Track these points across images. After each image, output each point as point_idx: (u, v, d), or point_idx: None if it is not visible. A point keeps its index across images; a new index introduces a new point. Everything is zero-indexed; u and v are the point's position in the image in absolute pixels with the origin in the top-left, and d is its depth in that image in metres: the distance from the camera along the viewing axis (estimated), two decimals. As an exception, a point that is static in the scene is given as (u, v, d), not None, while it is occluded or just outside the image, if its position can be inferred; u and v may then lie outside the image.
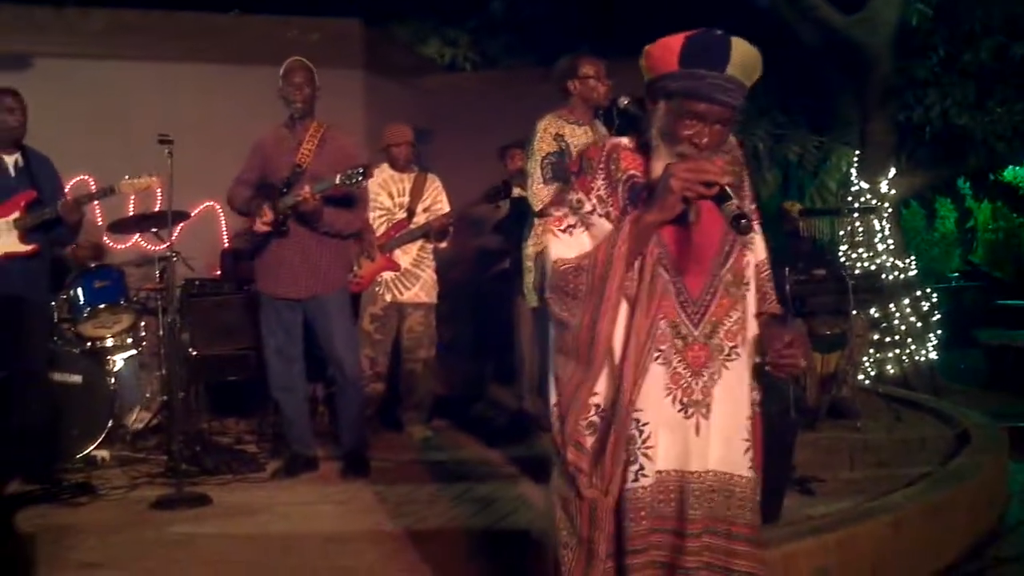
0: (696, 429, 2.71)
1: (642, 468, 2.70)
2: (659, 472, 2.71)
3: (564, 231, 2.78)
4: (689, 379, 2.72)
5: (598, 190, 2.76)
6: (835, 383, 7.35)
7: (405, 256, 7.15)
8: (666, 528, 2.74)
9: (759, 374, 2.89)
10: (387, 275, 7.10)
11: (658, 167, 2.66)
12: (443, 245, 7.35)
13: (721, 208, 2.56)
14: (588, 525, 2.76)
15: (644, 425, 2.70)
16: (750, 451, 2.78)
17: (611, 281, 2.64)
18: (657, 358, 2.69)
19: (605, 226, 2.72)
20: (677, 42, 2.64)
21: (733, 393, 2.77)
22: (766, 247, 2.98)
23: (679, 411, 2.71)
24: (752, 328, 2.85)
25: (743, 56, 2.61)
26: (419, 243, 7.18)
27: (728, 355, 2.76)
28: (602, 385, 2.73)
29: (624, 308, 2.69)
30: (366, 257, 6.94)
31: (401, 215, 7.13)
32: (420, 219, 7.17)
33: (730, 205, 2.53)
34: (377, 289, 7.06)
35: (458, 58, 11.37)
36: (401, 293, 7.13)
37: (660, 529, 2.73)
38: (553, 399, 2.82)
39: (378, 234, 7.02)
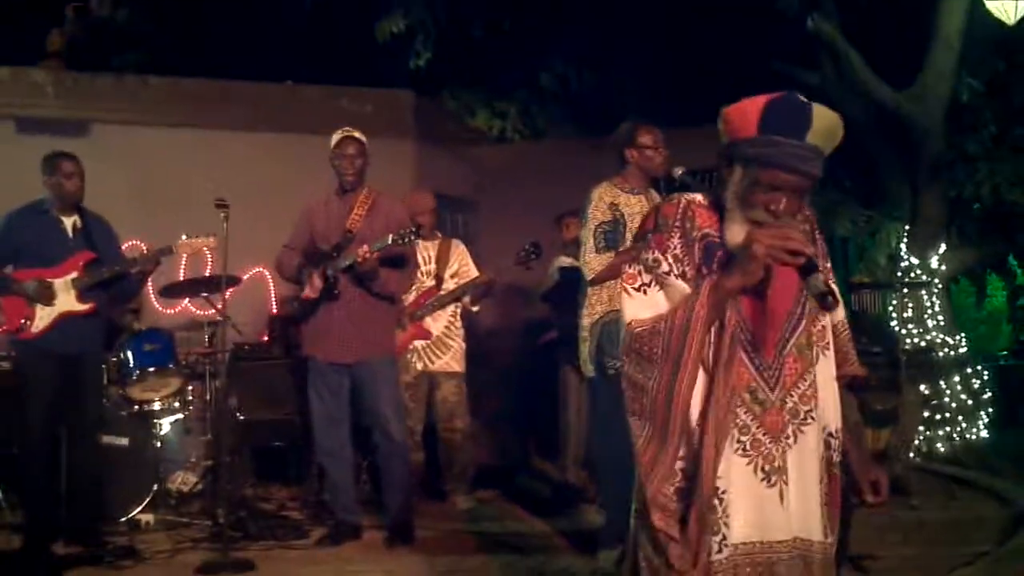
0: (780, 497, 2.64)
1: (725, 539, 2.62)
2: (737, 544, 2.63)
3: (638, 290, 2.71)
4: (769, 445, 2.65)
5: (674, 248, 2.69)
6: (887, 459, 7.23)
7: (436, 324, 7.15)
8: None
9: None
10: (418, 343, 7.10)
11: (733, 230, 2.61)
12: (475, 309, 7.33)
13: (807, 281, 2.51)
14: None
15: (723, 494, 2.62)
16: (824, 516, 2.70)
17: (689, 346, 2.57)
18: (735, 425, 2.63)
19: (681, 286, 2.66)
20: (757, 106, 2.57)
21: (809, 457, 2.69)
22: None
23: (761, 480, 2.64)
24: (830, 390, 2.77)
25: (825, 123, 2.56)
26: (450, 310, 7.19)
27: (804, 419, 2.68)
28: (684, 450, 2.65)
29: (701, 374, 2.63)
30: (397, 326, 6.90)
31: (430, 283, 7.15)
32: (449, 285, 7.19)
33: (816, 279, 2.48)
34: (409, 357, 7.05)
35: (507, 130, 11.45)
36: (432, 362, 7.12)
37: None
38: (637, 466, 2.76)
39: (408, 302, 7.01)
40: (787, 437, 2.67)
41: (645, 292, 2.71)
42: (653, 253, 2.71)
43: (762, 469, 2.64)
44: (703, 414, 2.61)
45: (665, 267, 2.69)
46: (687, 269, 2.68)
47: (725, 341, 2.60)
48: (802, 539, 2.67)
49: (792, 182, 2.56)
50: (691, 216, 2.72)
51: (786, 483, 2.64)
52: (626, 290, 2.74)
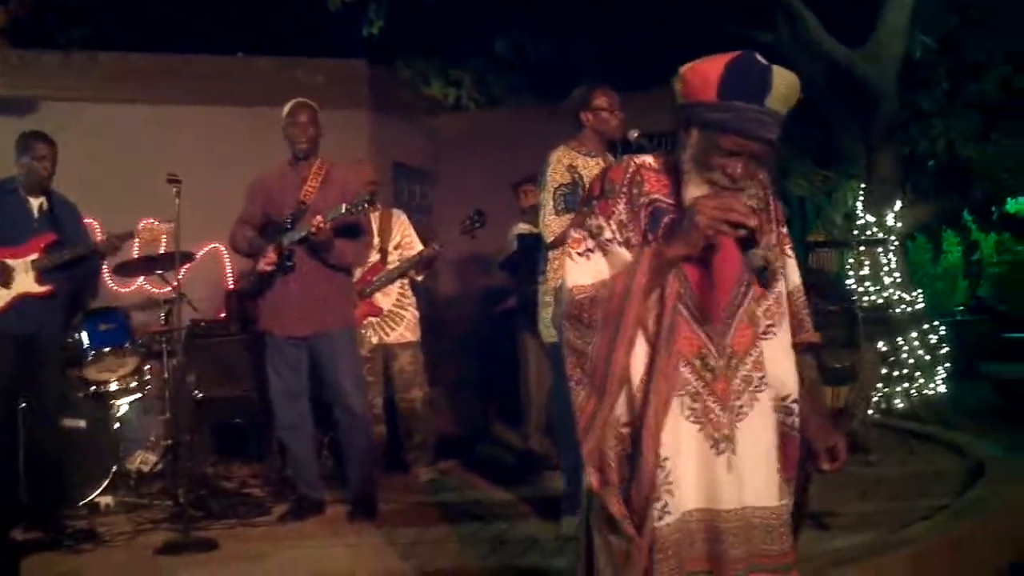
0: (728, 466, 2.62)
1: (666, 505, 2.60)
2: (684, 512, 2.62)
3: (582, 255, 2.69)
4: (719, 413, 2.63)
5: (619, 215, 2.67)
6: (846, 417, 7.28)
7: (386, 298, 7.12)
8: (699, 570, 2.64)
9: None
10: (371, 319, 7.05)
11: (690, 192, 2.59)
12: (420, 279, 7.30)
13: (745, 255, 2.50)
14: (624, 564, 2.64)
15: (665, 461, 2.60)
16: (779, 478, 2.69)
17: (628, 313, 2.57)
18: (685, 391, 2.62)
19: (624, 254, 2.64)
20: (717, 69, 2.53)
21: (763, 425, 2.68)
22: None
23: (710, 447, 2.62)
24: (787, 357, 2.77)
25: (784, 86, 2.52)
26: (399, 282, 7.14)
27: (758, 386, 2.68)
28: (627, 416, 2.64)
29: (642, 340, 2.62)
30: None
31: (374, 257, 7.07)
32: (393, 257, 7.14)
33: (754, 254, 2.48)
34: (363, 332, 7.00)
35: (462, 98, 11.38)
36: (387, 334, 7.10)
37: (693, 572, 2.63)
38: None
39: (355, 280, 6.93)
40: (740, 406, 2.65)
41: (588, 258, 2.68)
42: (597, 219, 2.69)
43: (711, 436, 2.63)
44: (646, 382, 2.60)
45: (608, 234, 2.67)
46: (631, 235, 2.66)
47: (667, 309, 2.59)
48: (755, 507, 2.65)
49: (751, 147, 2.54)
50: (639, 181, 2.70)
51: (734, 452, 2.63)
52: (570, 255, 2.71)
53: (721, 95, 2.52)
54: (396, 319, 7.11)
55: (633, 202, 2.68)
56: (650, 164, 2.73)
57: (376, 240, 7.07)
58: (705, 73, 2.56)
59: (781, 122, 2.56)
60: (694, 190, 2.58)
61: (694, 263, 2.63)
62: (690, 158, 2.61)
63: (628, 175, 2.71)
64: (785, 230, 2.85)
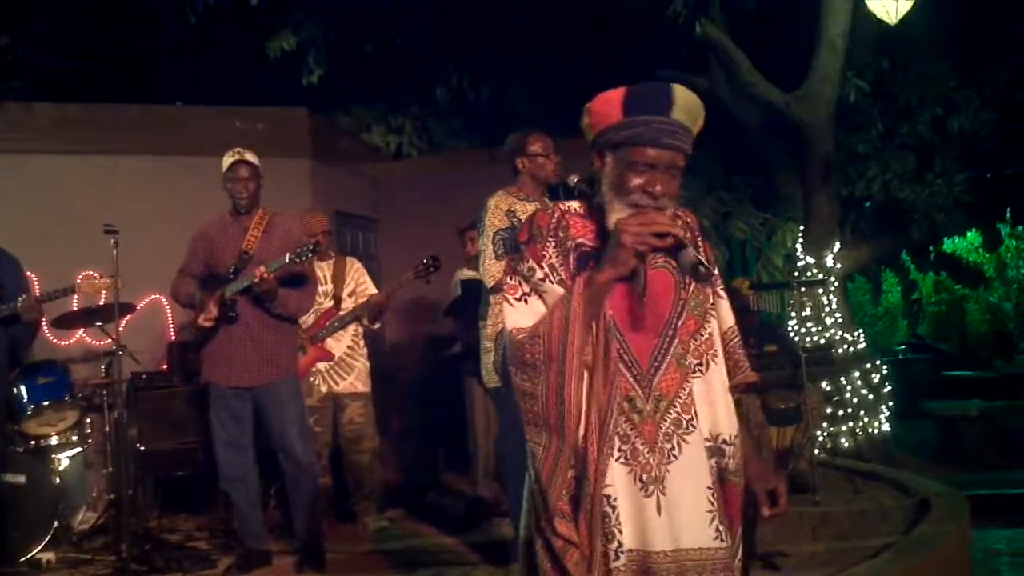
0: (657, 508, 2.61)
1: (621, 545, 2.60)
2: (627, 551, 2.61)
3: (519, 299, 2.70)
4: (647, 455, 2.63)
5: (549, 258, 2.69)
6: (791, 457, 7.33)
7: (338, 345, 7.06)
8: None
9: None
10: (321, 365, 7.00)
11: (612, 220, 2.60)
12: (376, 327, 7.28)
13: (678, 259, 2.53)
14: None
15: (615, 501, 2.61)
16: (715, 520, 2.66)
17: (570, 343, 2.56)
18: (615, 433, 2.61)
19: (558, 291, 2.66)
20: (618, 94, 2.62)
21: (695, 467, 2.66)
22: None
23: (640, 489, 2.62)
24: (722, 398, 2.76)
25: (686, 100, 2.59)
26: (351, 330, 7.11)
27: (686, 428, 2.67)
28: (572, 457, 2.63)
29: (585, 377, 2.62)
30: (298, 350, 6.78)
31: (328, 303, 7.05)
32: (347, 304, 7.11)
33: (687, 253, 2.50)
34: (312, 380, 6.95)
35: (403, 144, 11.41)
36: (336, 383, 7.04)
37: None
38: (532, 475, 2.72)
39: (307, 325, 6.90)
40: (671, 448, 2.65)
41: (526, 301, 2.70)
42: (528, 263, 2.71)
43: (640, 479, 2.63)
44: (586, 421, 2.60)
45: (540, 275, 2.69)
46: (564, 277, 2.67)
47: (599, 342, 2.60)
48: (691, 549, 2.63)
49: (664, 158, 2.58)
50: (565, 226, 2.72)
51: (663, 493, 2.62)
52: (508, 300, 2.73)
53: (626, 113, 2.59)
54: (346, 368, 7.06)
55: (561, 246, 2.70)
56: (575, 210, 2.77)
57: (330, 287, 7.05)
58: (608, 98, 2.64)
59: (690, 134, 2.62)
60: (617, 217, 2.60)
61: (622, 304, 2.65)
62: (608, 187, 2.65)
63: (554, 220, 2.73)
64: (716, 271, 2.85)
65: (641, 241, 2.48)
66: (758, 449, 2.89)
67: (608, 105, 2.63)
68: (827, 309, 9.43)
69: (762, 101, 9.88)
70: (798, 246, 9.75)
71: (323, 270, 7.05)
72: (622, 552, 2.60)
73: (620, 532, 2.60)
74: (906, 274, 16.80)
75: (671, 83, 2.61)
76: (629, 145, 2.58)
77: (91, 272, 6.24)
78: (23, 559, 6.21)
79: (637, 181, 2.58)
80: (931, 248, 15.17)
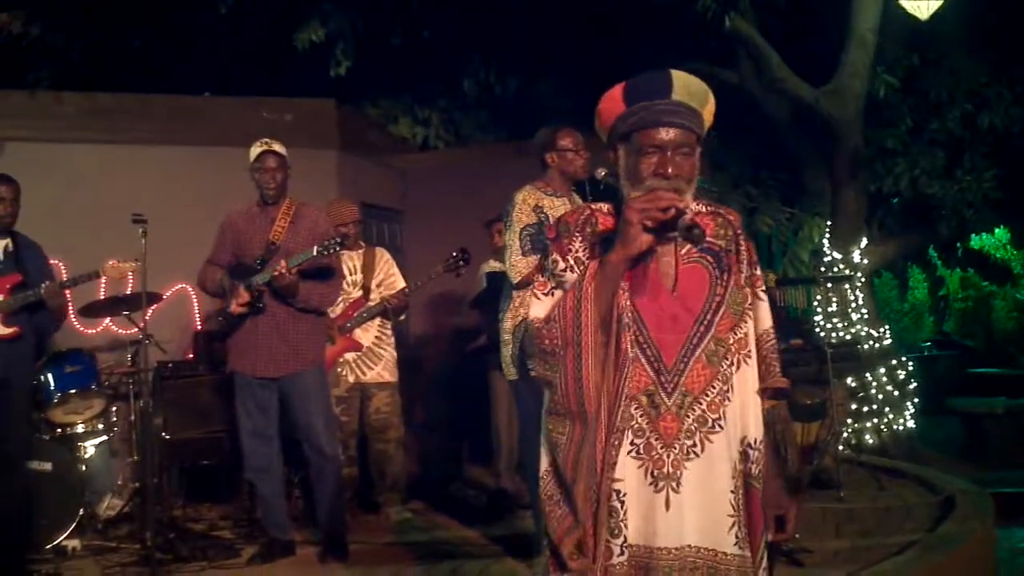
0: (666, 504, 2.60)
1: (625, 541, 2.60)
2: (630, 547, 2.61)
3: (546, 294, 2.73)
4: (660, 451, 2.62)
5: (576, 252, 2.71)
6: (816, 453, 7.30)
7: (366, 335, 7.09)
8: None
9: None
10: (349, 356, 7.03)
11: None
12: (402, 319, 7.31)
13: (676, 225, 2.54)
14: None
15: (624, 496, 2.61)
16: (736, 526, 2.64)
17: (584, 327, 2.59)
18: (629, 427, 2.62)
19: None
20: (619, 88, 2.70)
21: (717, 466, 2.64)
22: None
23: (649, 484, 2.61)
24: (751, 400, 2.74)
25: (684, 82, 2.64)
26: (378, 321, 7.12)
27: (712, 427, 2.65)
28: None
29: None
30: (326, 339, 6.80)
31: (357, 293, 7.08)
32: (375, 295, 7.13)
33: (683, 219, 2.52)
34: (340, 371, 6.98)
35: (430, 137, 11.42)
36: (364, 373, 7.06)
37: None
38: (544, 465, 2.72)
39: (336, 314, 6.93)
40: (692, 445, 2.64)
41: (552, 295, 2.72)
42: (553, 256, 2.74)
43: (651, 473, 2.62)
44: (598, 415, 2.61)
45: (563, 266, 2.71)
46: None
47: (612, 336, 2.61)
48: (704, 548, 2.62)
49: (671, 138, 2.61)
50: (594, 222, 2.75)
51: (675, 490, 2.61)
52: (535, 295, 2.75)
53: (627, 102, 2.66)
54: (375, 357, 7.08)
55: (587, 240, 2.73)
56: (604, 209, 2.78)
57: (359, 277, 7.07)
58: (611, 94, 2.72)
59: (696, 114, 2.66)
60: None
61: (650, 301, 2.65)
62: (625, 178, 2.69)
63: (582, 217, 2.77)
64: (758, 272, 2.84)
65: (647, 216, 2.51)
66: (779, 468, 2.85)
67: (611, 100, 2.71)
68: (853, 305, 9.38)
69: (791, 96, 9.82)
70: (825, 241, 9.71)
71: (353, 260, 7.08)
72: (626, 547, 2.60)
73: (626, 527, 2.61)
74: (933, 270, 16.70)
75: (670, 70, 2.65)
76: (635, 131, 2.64)
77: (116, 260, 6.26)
78: (49, 546, 6.26)
79: (648, 164, 2.61)
80: (958, 244, 15.07)
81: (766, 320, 2.83)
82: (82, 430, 6.93)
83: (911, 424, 9.18)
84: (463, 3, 10.55)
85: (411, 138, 11.35)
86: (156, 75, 10.41)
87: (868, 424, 8.83)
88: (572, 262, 2.70)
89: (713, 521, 2.63)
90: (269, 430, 6.01)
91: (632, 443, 2.63)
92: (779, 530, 2.79)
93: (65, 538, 6.32)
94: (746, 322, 2.76)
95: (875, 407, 8.91)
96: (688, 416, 2.64)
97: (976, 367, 14.25)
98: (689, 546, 2.60)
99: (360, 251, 7.21)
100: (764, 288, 2.87)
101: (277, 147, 6.02)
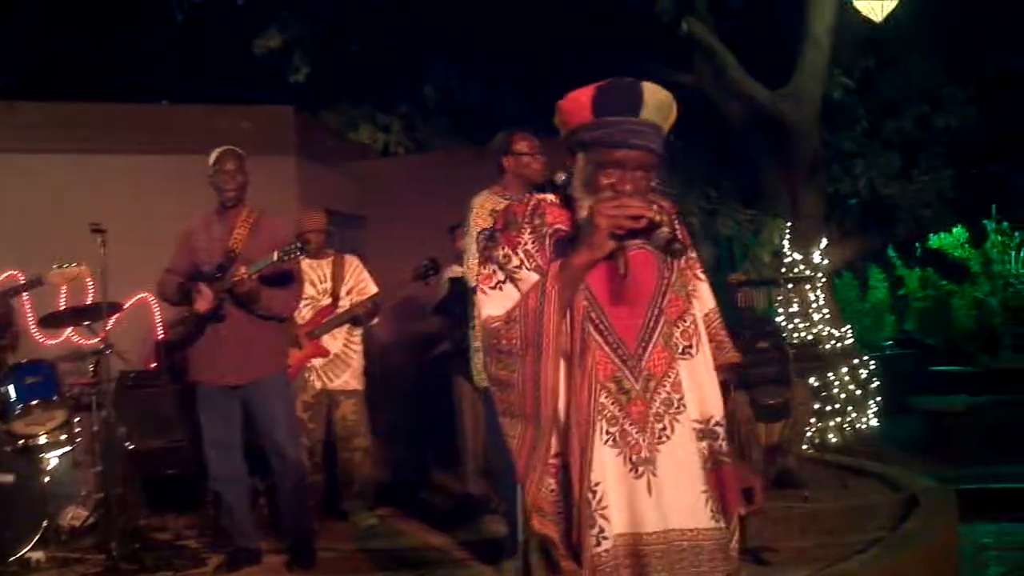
0: (648, 489, 2.62)
1: (602, 531, 2.61)
2: (616, 536, 2.62)
3: (493, 288, 2.72)
4: (636, 436, 2.64)
5: (525, 244, 2.71)
6: (780, 453, 7.34)
7: (334, 342, 7.08)
8: None
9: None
10: (316, 362, 7.02)
11: (582, 215, 2.63)
12: (374, 322, 7.30)
13: (652, 238, 2.55)
14: None
15: (596, 486, 2.61)
16: (711, 501, 2.68)
17: (546, 329, 2.58)
18: (602, 415, 2.63)
19: (534, 279, 2.67)
20: (588, 93, 2.65)
21: (685, 446, 2.68)
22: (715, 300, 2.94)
23: (629, 471, 2.63)
24: (709, 380, 2.78)
25: (656, 99, 2.62)
26: (347, 328, 7.12)
27: (677, 408, 2.69)
28: (558, 445, 2.65)
29: (562, 364, 2.63)
30: (292, 345, 6.73)
31: (326, 301, 7.08)
32: (345, 302, 7.12)
33: (661, 232, 2.52)
34: (307, 376, 6.97)
35: (391, 143, 11.41)
36: (331, 380, 7.04)
37: None
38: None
39: (304, 321, 6.92)
40: (662, 428, 2.66)
41: (501, 289, 2.72)
42: (503, 250, 2.73)
43: (630, 460, 2.64)
44: (567, 407, 2.62)
45: (516, 261, 2.71)
46: (540, 263, 2.69)
47: (576, 328, 2.62)
48: (686, 529, 2.64)
49: (633, 158, 2.61)
50: (541, 213, 2.75)
51: (654, 474, 2.63)
52: (482, 290, 2.74)
53: (595, 114, 2.62)
54: (342, 365, 7.07)
55: (537, 232, 2.72)
56: (550, 200, 2.79)
57: (329, 284, 7.08)
58: (579, 98, 2.67)
59: (661, 133, 2.65)
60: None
61: (606, 287, 2.66)
62: (580, 184, 2.68)
63: (530, 208, 2.77)
64: (694, 255, 2.89)
65: (616, 224, 2.51)
66: (738, 447, 2.90)
67: (578, 104, 2.67)
68: (814, 305, 9.46)
69: (748, 98, 9.90)
70: (785, 243, 9.77)
71: (322, 267, 7.08)
72: (604, 538, 2.60)
73: (603, 518, 2.61)
74: (892, 270, 16.83)
75: (641, 81, 2.63)
76: (599, 146, 2.62)
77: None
78: (12, 558, 6.18)
79: (607, 181, 2.61)
80: (917, 244, 15.21)
81: (709, 300, 2.92)
82: (44, 441, 6.84)
83: (874, 423, 9.26)
84: (423, 10, 10.56)
85: (372, 144, 11.33)
86: (114, 83, 10.34)
87: (831, 423, 8.90)
88: (523, 255, 2.70)
89: (691, 501, 2.66)
90: (232, 439, 5.96)
91: (607, 432, 2.63)
92: (748, 502, 2.83)
93: (29, 550, 6.23)
94: (693, 303, 2.82)
95: (838, 406, 8.98)
96: (655, 400, 2.67)
97: (937, 365, 14.38)
98: (674, 529, 2.63)
99: (329, 259, 7.20)
100: (703, 270, 2.94)
101: (236, 149, 5.99)
